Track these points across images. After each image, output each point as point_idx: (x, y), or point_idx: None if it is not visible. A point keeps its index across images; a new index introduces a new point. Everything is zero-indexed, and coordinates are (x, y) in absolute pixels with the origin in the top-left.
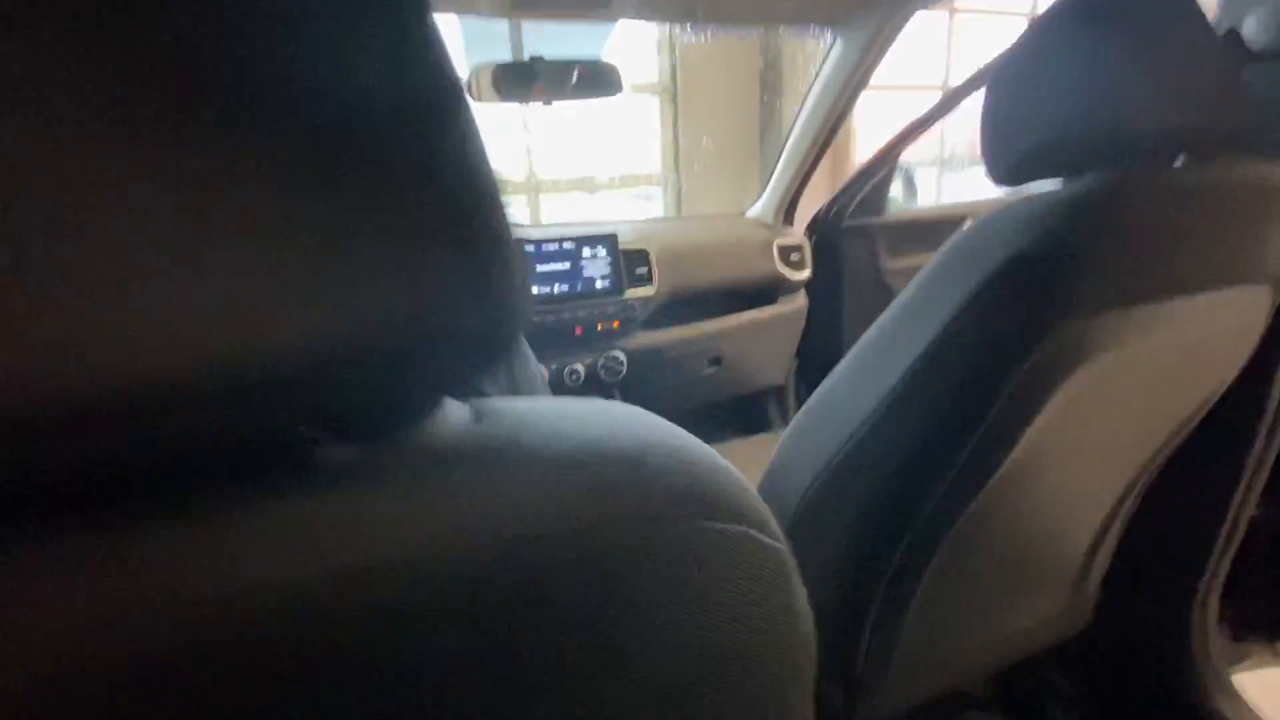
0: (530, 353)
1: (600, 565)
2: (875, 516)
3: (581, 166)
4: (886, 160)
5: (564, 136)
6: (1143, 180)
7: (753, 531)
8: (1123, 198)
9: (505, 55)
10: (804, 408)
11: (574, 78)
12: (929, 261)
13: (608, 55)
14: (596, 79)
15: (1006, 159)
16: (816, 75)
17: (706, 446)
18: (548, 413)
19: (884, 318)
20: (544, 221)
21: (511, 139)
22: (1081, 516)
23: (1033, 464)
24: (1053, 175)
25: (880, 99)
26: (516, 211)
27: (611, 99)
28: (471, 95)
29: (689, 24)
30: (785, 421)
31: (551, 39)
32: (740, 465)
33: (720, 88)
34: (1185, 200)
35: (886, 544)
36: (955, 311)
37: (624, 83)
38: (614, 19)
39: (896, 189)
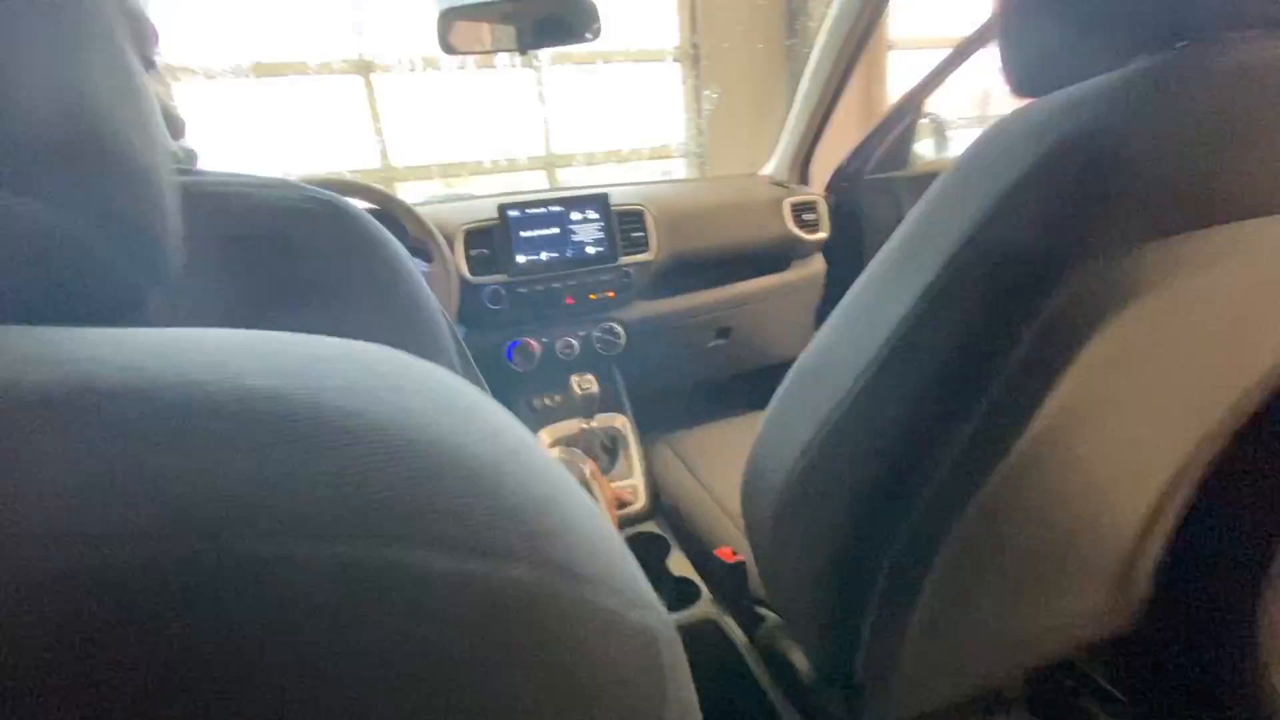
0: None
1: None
2: (869, 499)
3: (602, 141)
4: (909, 109)
5: (584, 109)
6: (1210, 55)
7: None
8: (1183, 80)
9: None
10: (791, 371)
11: (543, 18)
12: (913, 209)
13: (620, 21)
14: (570, 19)
15: (1027, 56)
16: (827, 16)
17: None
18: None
19: (879, 257)
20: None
21: (528, 112)
22: (1128, 497)
23: (1062, 433)
24: (1086, 74)
25: (920, 56)
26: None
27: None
28: (442, 48)
29: None
30: None
31: None
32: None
33: (744, 48)
34: (1266, 85)
35: (884, 532)
36: (963, 240)
37: (600, 26)
38: None
39: (927, 147)
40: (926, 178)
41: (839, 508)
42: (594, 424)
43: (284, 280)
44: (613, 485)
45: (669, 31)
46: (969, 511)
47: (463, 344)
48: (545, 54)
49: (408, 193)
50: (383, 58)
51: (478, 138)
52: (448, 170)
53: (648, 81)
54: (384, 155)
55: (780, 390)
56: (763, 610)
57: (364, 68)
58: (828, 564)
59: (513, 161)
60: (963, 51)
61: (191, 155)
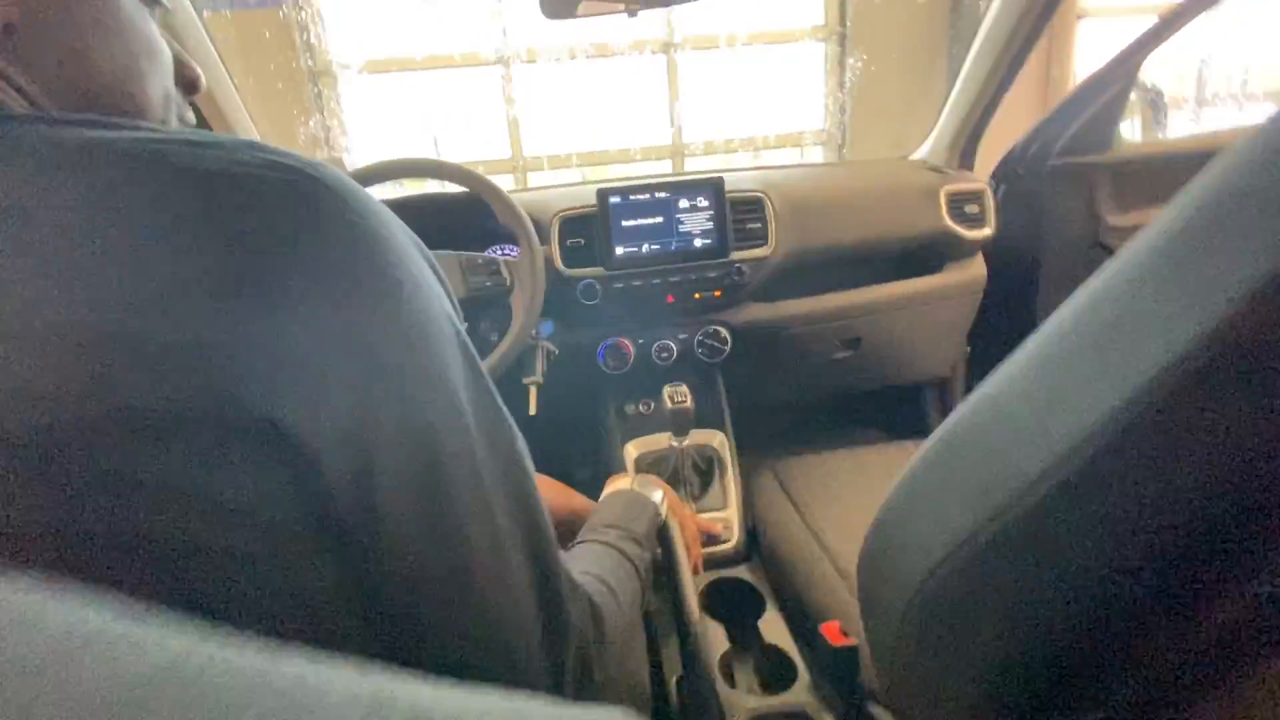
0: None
1: None
2: (1069, 645)
3: (735, 128)
4: (1116, 76)
5: (718, 96)
6: None
7: None
8: None
9: None
10: (943, 430)
11: None
12: (1179, 199)
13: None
14: None
15: None
16: None
17: None
18: None
19: (1114, 272)
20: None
21: (659, 100)
22: None
23: None
24: None
25: (1113, 25)
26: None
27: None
28: (543, 10)
29: None
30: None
31: None
32: (878, 480)
33: (899, 28)
34: None
35: (1109, 667)
36: (1251, 287)
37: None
38: None
39: (1132, 127)
40: (1139, 165)
41: (1028, 623)
42: (686, 442)
43: (215, 266)
44: (702, 516)
45: (809, 10)
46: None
47: (481, 374)
48: (679, 36)
49: (542, 180)
50: (521, 49)
51: (610, 127)
52: (573, 160)
53: (785, 65)
54: (516, 144)
55: (932, 444)
56: (878, 712)
57: (504, 60)
58: (993, 686)
59: (644, 150)
60: (1188, 9)
61: (185, 108)
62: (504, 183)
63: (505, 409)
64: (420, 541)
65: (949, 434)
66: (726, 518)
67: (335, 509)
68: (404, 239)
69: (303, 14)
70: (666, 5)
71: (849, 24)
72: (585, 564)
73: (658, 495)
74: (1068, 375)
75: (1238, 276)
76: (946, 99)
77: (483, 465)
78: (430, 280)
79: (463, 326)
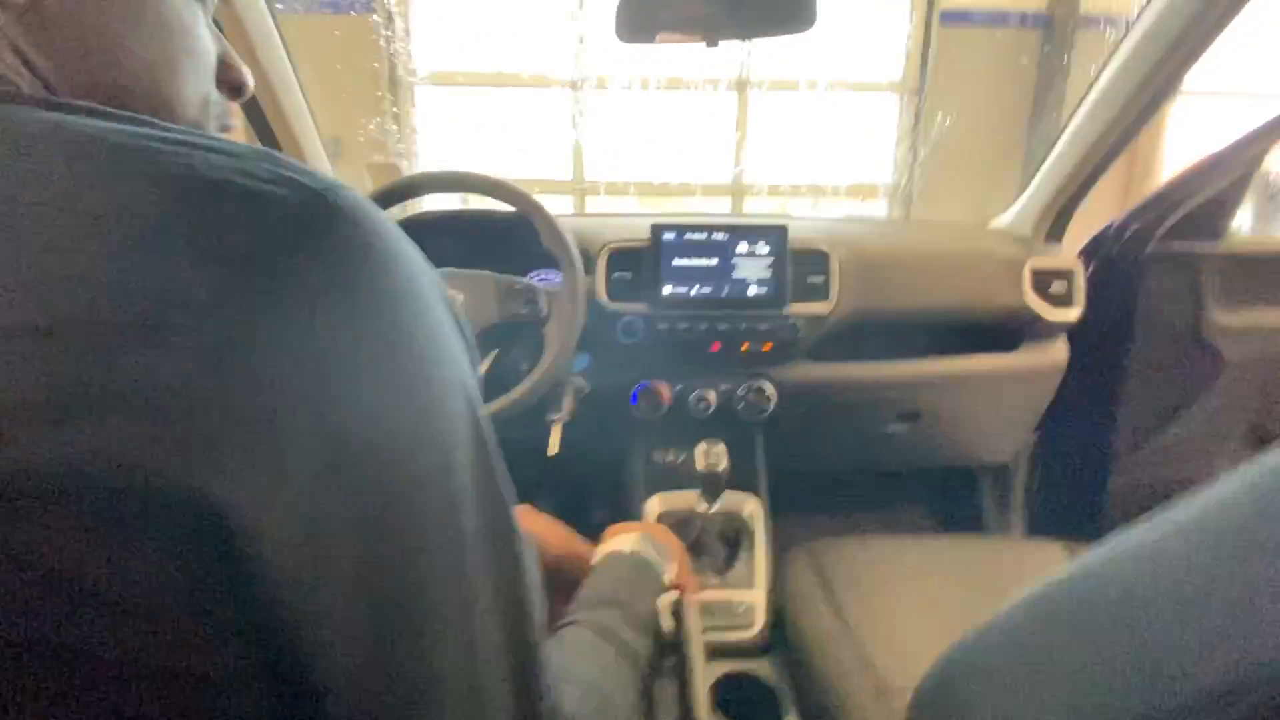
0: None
1: None
2: None
3: (800, 173)
4: (1236, 161)
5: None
6: None
7: None
8: None
9: None
10: (1073, 579)
11: (747, 5)
12: None
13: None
14: (777, 5)
15: None
16: (1122, 39)
17: None
18: None
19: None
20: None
21: (721, 136)
22: None
23: None
24: None
25: (1200, 105)
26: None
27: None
28: (619, 34)
29: None
30: (1005, 520)
31: None
32: (928, 579)
33: (979, 90)
34: None
35: None
36: None
37: (815, 13)
38: None
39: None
40: (1256, 261)
41: None
42: (715, 509)
43: (178, 289)
44: (724, 594)
45: (888, 62)
46: None
47: (494, 472)
48: (754, 75)
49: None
50: (594, 74)
51: (673, 159)
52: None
53: (857, 114)
54: (578, 168)
55: (1053, 592)
56: None
57: (575, 83)
58: None
59: (706, 187)
60: None
61: (228, 115)
62: (561, 205)
63: (516, 520)
64: (376, 667)
65: (1082, 586)
66: (751, 601)
67: (268, 614)
68: (426, 288)
69: (391, 24)
70: (745, 37)
71: (927, 80)
72: (573, 663)
73: (666, 561)
74: (1264, 568)
75: None
76: (1028, 165)
77: (474, 593)
78: (450, 342)
79: (481, 406)
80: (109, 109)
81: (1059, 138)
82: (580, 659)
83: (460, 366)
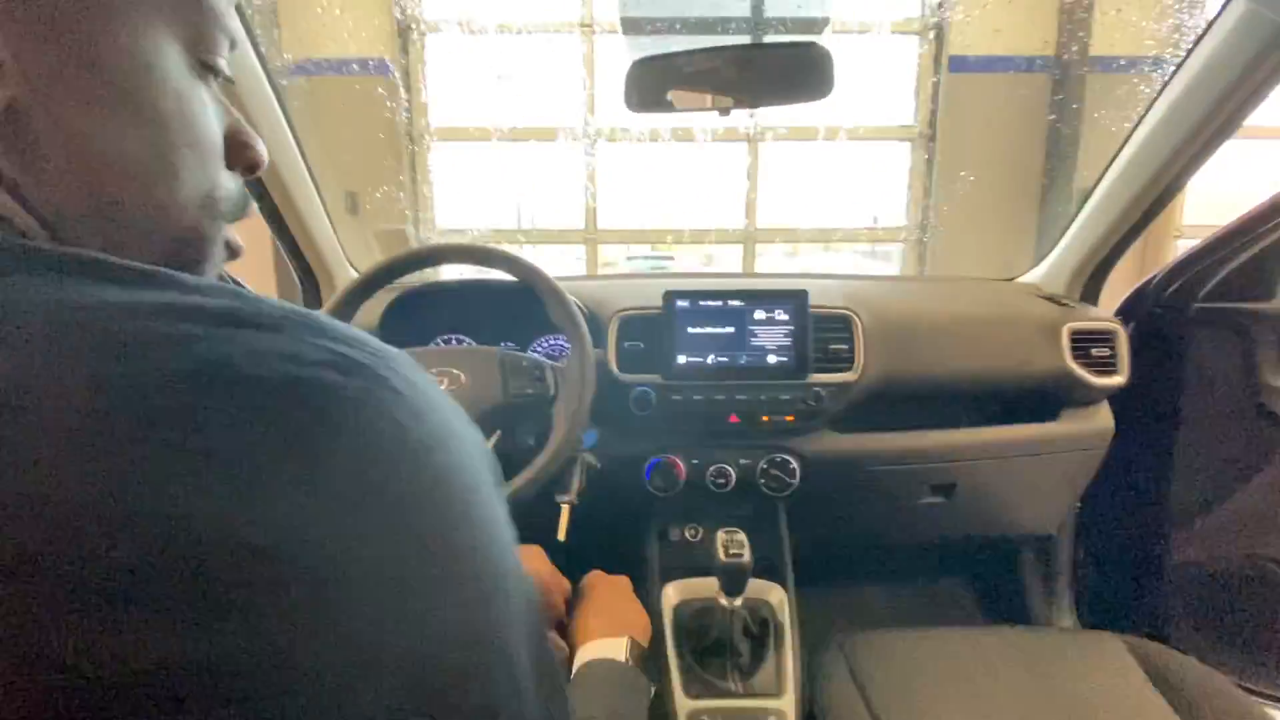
0: None
1: None
2: None
3: (811, 219)
4: None
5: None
6: None
7: None
8: None
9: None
10: None
11: (761, 71)
12: None
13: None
14: (794, 72)
15: None
16: (1164, 87)
17: None
18: None
19: None
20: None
21: (732, 185)
22: None
23: None
24: None
25: (1262, 147)
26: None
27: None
28: (628, 104)
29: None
30: (1051, 600)
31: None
32: (974, 681)
33: (991, 134)
34: None
35: None
36: None
37: (831, 85)
38: None
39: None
40: None
41: None
42: (737, 603)
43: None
44: (750, 702)
45: (900, 109)
46: None
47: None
48: (765, 121)
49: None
50: (605, 127)
51: (684, 206)
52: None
53: (869, 162)
54: (590, 219)
55: None
56: None
57: (588, 136)
58: None
59: (719, 233)
60: None
61: (246, 199)
62: (575, 253)
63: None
64: None
65: None
66: (781, 709)
67: None
68: (478, 466)
69: (407, 84)
70: (755, 106)
71: (938, 127)
72: None
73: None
74: None
75: None
76: (1043, 209)
77: None
78: (498, 518)
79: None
80: (120, 264)
81: (1092, 193)
82: None
83: (508, 554)
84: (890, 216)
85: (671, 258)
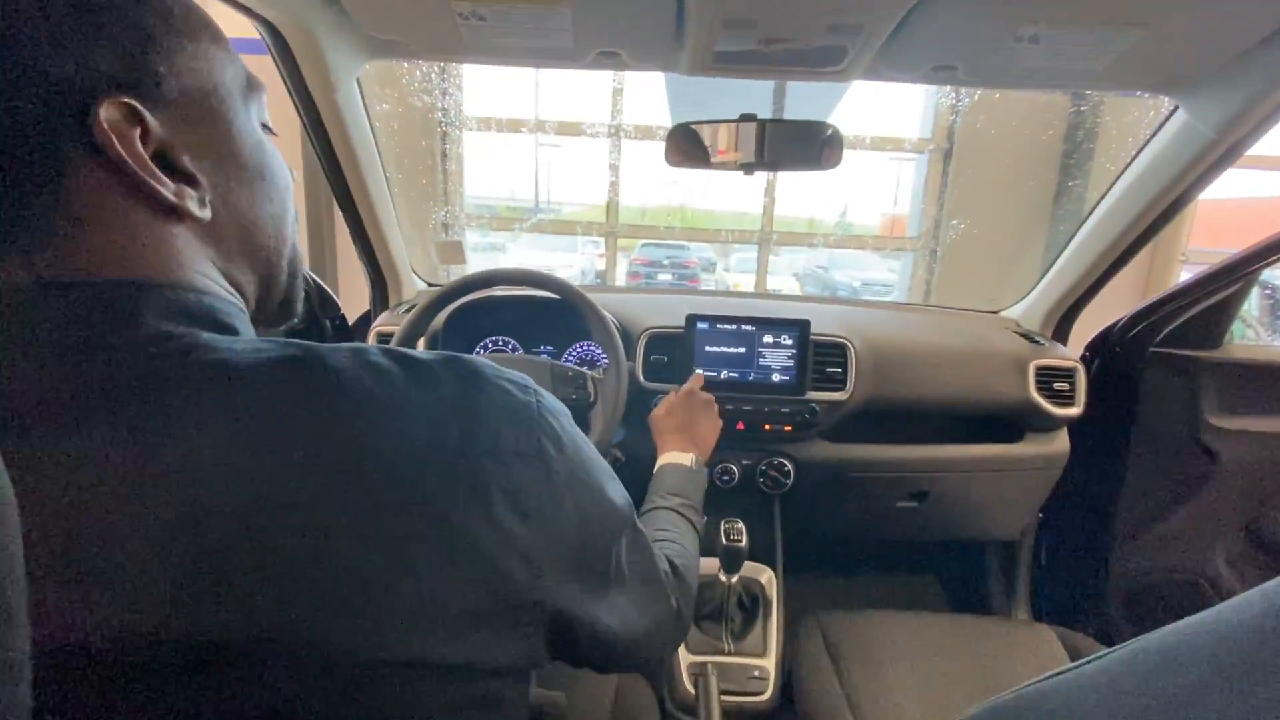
0: None
1: None
2: None
3: (828, 221)
4: (1239, 273)
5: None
6: None
7: None
8: None
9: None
10: (1042, 688)
11: (780, 143)
12: None
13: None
14: (810, 147)
15: None
16: (1140, 150)
17: None
18: None
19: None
20: (768, 274)
21: (750, 187)
22: None
23: None
24: None
25: (1251, 178)
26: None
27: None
28: (667, 160)
29: (943, 84)
30: (1009, 598)
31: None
32: (931, 657)
33: (1008, 153)
34: None
35: None
36: None
37: (842, 155)
38: (844, 80)
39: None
40: (1252, 370)
41: None
42: (734, 579)
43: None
44: (739, 659)
45: (911, 117)
46: None
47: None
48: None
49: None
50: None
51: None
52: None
53: (886, 170)
54: (612, 214)
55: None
56: None
57: (617, 131)
58: None
59: (734, 232)
60: None
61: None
62: (594, 239)
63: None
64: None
65: (1047, 700)
66: (764, 666)
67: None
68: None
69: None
70: (773, 170)
71: (955, 140)
72: (662, 525)
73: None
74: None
75: None
76: (1046, 245)
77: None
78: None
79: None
80: (296, 346)
81: (1069, 241)
82: (665, 522)
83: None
84: (908, 226)
85: (686, 246)
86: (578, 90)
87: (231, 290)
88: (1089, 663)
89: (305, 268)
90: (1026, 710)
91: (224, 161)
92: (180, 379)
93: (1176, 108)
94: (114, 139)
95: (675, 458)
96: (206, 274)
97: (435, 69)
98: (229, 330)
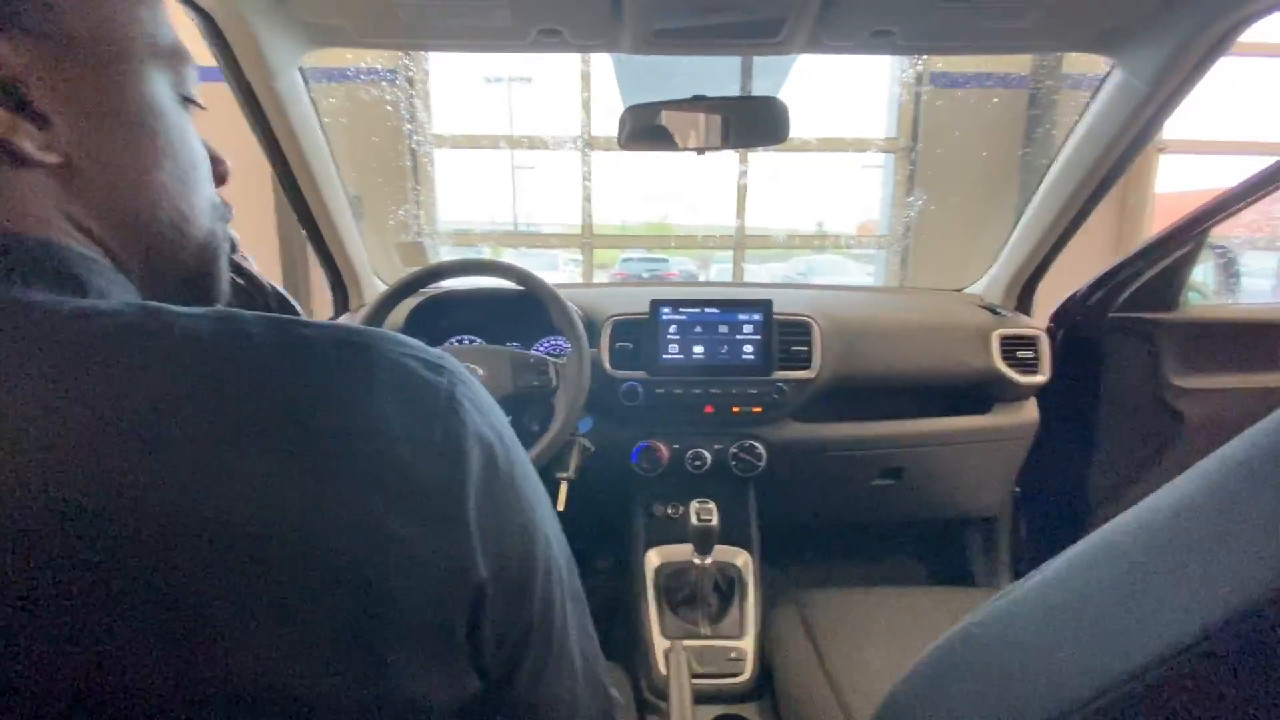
0: None
1: None
2: None
3: (800, 224)
4: (1188, 235)
5: (786, 191)
6: None
7: None
8: None
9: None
10: (986, 614)
11: (730, 121)
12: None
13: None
14: (757, 122)
15: None
16: (1082, 114)
17: None
18: None
19: (1194, 482)
20: (745, 281)
21: (722, 192)
22: None
23: None
24: None
25: (1202, 162)
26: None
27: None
28: (620, 143)
29: (884, 53)
30: (994, 570)
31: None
32: (909, 630)
33: (970, 147)
34: None
35: None
36: None
37: (790, 126)
38: (785, 53)
39: (1203, 275)
40: (1206, 328)
41: None
42: (709, 561)
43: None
44: (716, 641)
45: (878, 121)
46: None
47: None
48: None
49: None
50: (600, 135)
51: (678, 209)
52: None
53: (853, 169)
54: (586, 226)
55: (972, 628)
56: None
57: (584, 141)
58: None
59: (710, 237)
60: (1263, 182)
61: (227, 209)
62: (574, 256)
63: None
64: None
65: (992, 620)
66: (741, 647)
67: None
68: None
69: (412, 92)
70: (725, 148)
71: (919, 139)
72: None
73: None
74: (1151, 567)
75: None
76: (1011, 229)
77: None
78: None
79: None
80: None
81: (1022, 213)
82: None
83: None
84: (876, 223)
85: (666, 259)
86: (548, 109)
87: (93, 247)
88: (1026, 582)
89: (253, 268)
90: (974, 633)
91: (98, 111)
92: None
93: (1114, 67)
94: None
95: None
96: (55, 226)
97: (404, 91)
98: (76, 285)
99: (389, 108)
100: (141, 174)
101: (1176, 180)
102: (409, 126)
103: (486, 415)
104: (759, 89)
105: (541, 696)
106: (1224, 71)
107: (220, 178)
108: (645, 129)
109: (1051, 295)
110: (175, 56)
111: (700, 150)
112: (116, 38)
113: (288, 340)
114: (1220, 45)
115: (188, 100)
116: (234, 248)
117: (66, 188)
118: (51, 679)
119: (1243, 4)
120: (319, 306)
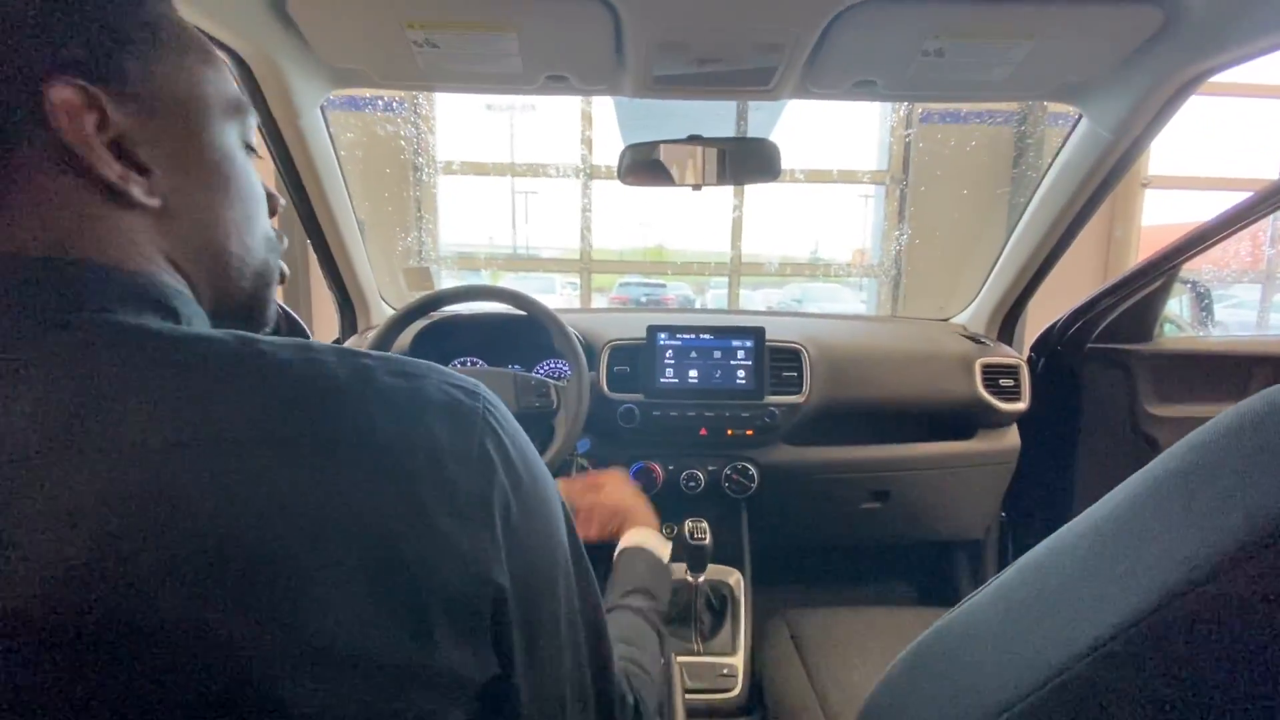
0: None
1: None
2: None
3: (794, 252)
4: (1161, 269)
5: (780, 221)
6: None
7: None
8: None
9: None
10: (950, 619)
11: (724, 159)
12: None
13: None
14: (750, 160)
15: None
16: (1053, 160)
17: None
18: None
19: (1131, 490)
20: (740, 307)
21: (717, 220)
22: None
23: None
24: None
25: (1185, 198)
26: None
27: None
28: (620, 178)
29: (867, 100)
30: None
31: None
32: (896, 648)
33: (958, 180)
34: None
35: None
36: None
37: (781, 166)
38: (775, 99)
39: (1179, 308)
40: (1180, 359)
41: None
42: (701, 579)
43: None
44: (708, 658)
45: (869, 155)
46: None
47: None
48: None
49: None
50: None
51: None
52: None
53: (849, 197)
54: (585, 252)
55: (940, 631)
56: None
57: (585, 173)
58: None
59: (705, 264)
60: (1247, 212)
61: (280, 236)
62: (571, 280)
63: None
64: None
65: (958, 621)
66: (733, 664)
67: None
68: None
69: (415, 120)
70: (720, 184)
71: (910, 171)
72: (622, 630)
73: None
74: (1092, 568)
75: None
76: (996, 257)
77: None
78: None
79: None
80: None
81: (1003, 249)
82: (624, 628)
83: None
84: (865, 250)
85: (663, 285)
86: (549, 136)
87: (181, 280)
88: (988, 585)
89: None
90: (943, 634)
91: (186, 161)
92: (111, 356)
93: (1081, 116)
94: (63, 116)
95: (635, 540)
96: (155, 261)
97: (410, 119)
98: (172, 314)
99: (402, 142)
100: (218, 213)
101: (1162, 213)
102: (420, 160)
103: (513, 436)
104: (754, 122)
105: (549, 692)
106: (1206, 110)
107: (273, 210)
108: (644, 165)
109: (1042, 324)
110: (240, 109)
111: (696, 186)
112: (197, 96)
113: (356, 369)
114: (1178, 97)
115: (250, 149)
116: (283, 278)
117: (161, 228)
118: (180, 635)
119: (1198, 60)
120: (320, 325)
